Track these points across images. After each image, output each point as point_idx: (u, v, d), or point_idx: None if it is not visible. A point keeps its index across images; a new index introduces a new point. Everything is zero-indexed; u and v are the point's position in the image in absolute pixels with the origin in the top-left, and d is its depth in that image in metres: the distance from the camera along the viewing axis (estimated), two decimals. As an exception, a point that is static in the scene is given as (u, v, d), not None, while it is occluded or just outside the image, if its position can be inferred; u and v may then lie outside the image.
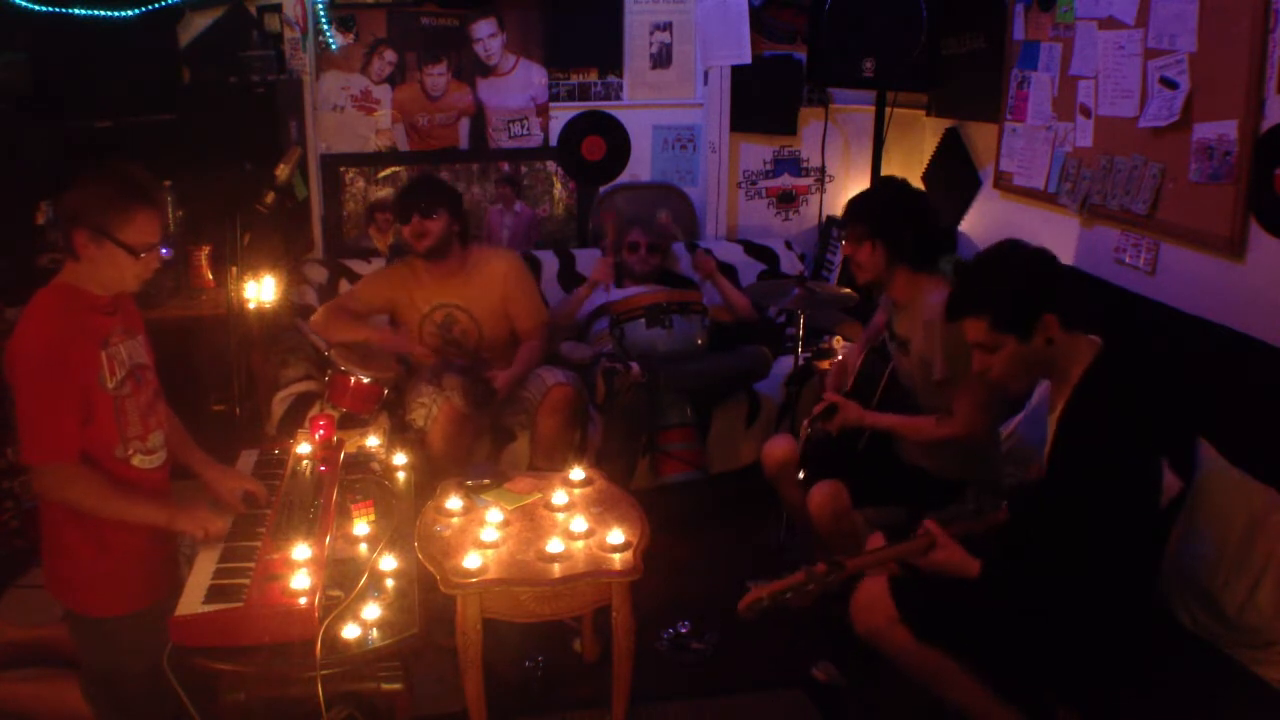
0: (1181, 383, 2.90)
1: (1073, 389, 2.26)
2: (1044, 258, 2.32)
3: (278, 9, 4.21)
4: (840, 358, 3.79)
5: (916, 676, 2.37)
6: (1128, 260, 3.35)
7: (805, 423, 3.06)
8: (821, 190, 4.94)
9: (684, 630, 3.13)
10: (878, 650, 2.42)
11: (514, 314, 3.76)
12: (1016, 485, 2.77)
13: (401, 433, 3.47)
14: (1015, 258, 2.33)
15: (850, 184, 4.92)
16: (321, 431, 2.79)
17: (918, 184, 4.72)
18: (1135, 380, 2.27)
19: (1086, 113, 3.52)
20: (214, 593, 2.19)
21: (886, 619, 2.36)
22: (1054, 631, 2.24)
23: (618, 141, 4.73)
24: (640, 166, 4.81)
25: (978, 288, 2.32)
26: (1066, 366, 2.29)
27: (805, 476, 3.07)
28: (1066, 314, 2.25)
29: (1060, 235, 3.68)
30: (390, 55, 4.47)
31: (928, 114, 4.64)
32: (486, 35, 4.54)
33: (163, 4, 3.92)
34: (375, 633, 2.18)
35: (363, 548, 2.45)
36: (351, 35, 4.42)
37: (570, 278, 4.46)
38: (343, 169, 4.56)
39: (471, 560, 2.48)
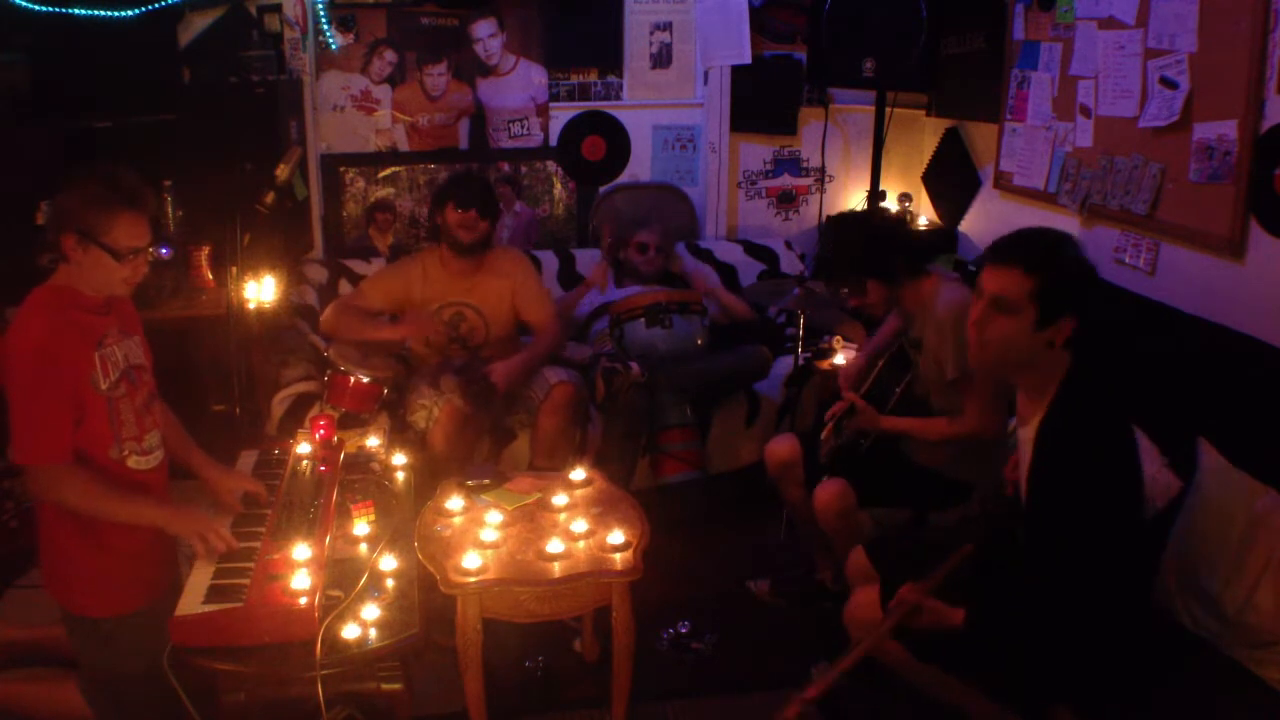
0: (1181, 383, 2.90)
1: (1049, 403, 2.18)
2: (1093, 270, 2.20)
3: (278, 9, 4.21)
4: (843, 360, 3.80)
5: (918, 684, 2.37)
6: (1128, 260, 3.35)
7: (828, 427, 3.01)
8: (821, 190, 4.94)
9: (684, 630, 3.13)
10: (879, 661, 2.40)
11: (524, 308, 3.76)
12: (981, 515, 2.73)
13: (401, 432, 3.47)
14: (1078, 253, 2.18)
15: (850, 184, 4.92)
16: (321, 431, 2.80)
17: (917, 184, 4.74)
18: (1112, 388, 2.19)
19: (1086, 113, 3.52)
20: (214, 593, 2.19)
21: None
22: (1051, 642, 2.23)
23: (618, 141, 4.73)
24: (640, 166, 4.81)
25: (1046, 249, 2.15)
26: (1042, 378, 2.21)
27: (822, 466, 3.04)
28: (1080, 331, 2.16)
29: (1060, 235, 3.67)
30: (390, 55, 4.47)
31: (928, 114, 4.64)
32: (486, 35, 4.54)
33: (163, 4, 3.92)
34: (375, 633, 2.18)
35: (363, 548, 2.45)
36: (351, 35, 4.42)
37: (570, 278, 4.46)
38: (343, 169, 4.56)
39: (471, 560, 2.48)
